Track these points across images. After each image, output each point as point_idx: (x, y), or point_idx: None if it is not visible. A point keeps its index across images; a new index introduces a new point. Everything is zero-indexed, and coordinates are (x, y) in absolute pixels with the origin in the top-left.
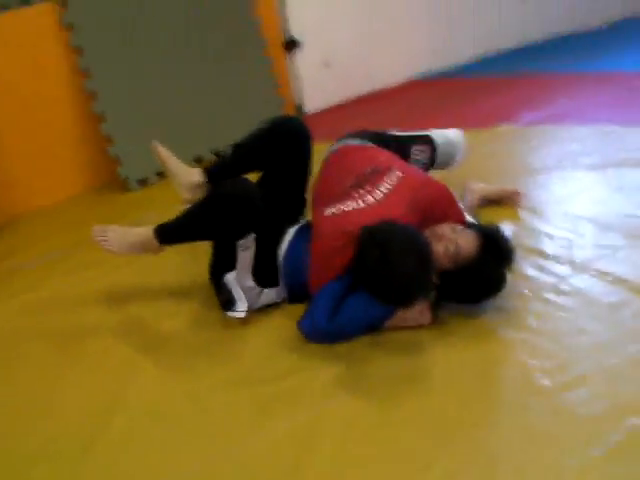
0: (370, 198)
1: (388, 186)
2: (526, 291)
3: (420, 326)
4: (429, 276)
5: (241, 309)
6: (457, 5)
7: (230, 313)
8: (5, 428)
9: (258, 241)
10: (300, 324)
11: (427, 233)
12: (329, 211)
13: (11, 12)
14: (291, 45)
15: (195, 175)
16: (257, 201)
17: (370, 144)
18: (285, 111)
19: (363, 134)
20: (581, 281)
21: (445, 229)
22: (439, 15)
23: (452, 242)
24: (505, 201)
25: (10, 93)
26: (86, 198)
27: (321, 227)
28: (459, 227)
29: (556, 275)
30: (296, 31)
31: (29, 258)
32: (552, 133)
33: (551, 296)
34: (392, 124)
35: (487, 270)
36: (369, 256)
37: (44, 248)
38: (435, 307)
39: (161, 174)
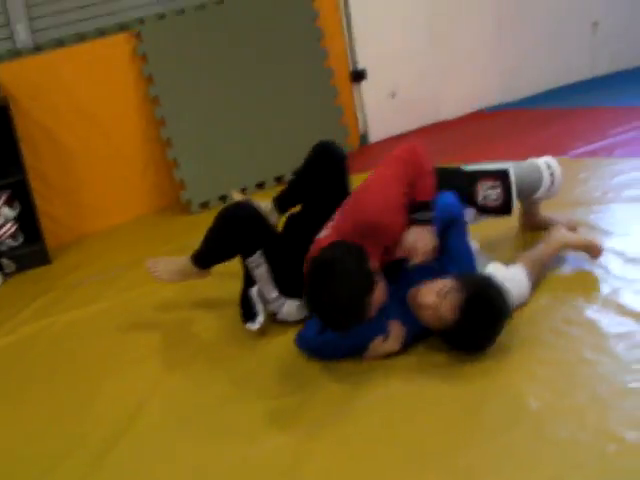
0: (330, 224)
1: (341, 211)
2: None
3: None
4: (355, 304)
5: (257, 323)
6: (526, 38)
7: (247, 325)
8: (40, 425)
9: (271, 255)
10: (296, 335)
11: (411, 299)
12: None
13: (89, 42)
14: (357, 76)
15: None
16: (246, 221)
17: None
18: (349, 140)
19: None
20: (594, 312)
21: (429, 297)
22: (508, 49)
23: (436, 309)
24: (585, 252)
25: (85, 118)
26: (150, 219)
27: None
28: (446, 290)
29: (570, 304)
30: (363, 63)
31: (91, 274)
32: (599, 165)
33: (562, 326)
34: (450, 153)
35: (473, 329)
36: (308, 281)
37: (106, 265)
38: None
39: (223, 198)
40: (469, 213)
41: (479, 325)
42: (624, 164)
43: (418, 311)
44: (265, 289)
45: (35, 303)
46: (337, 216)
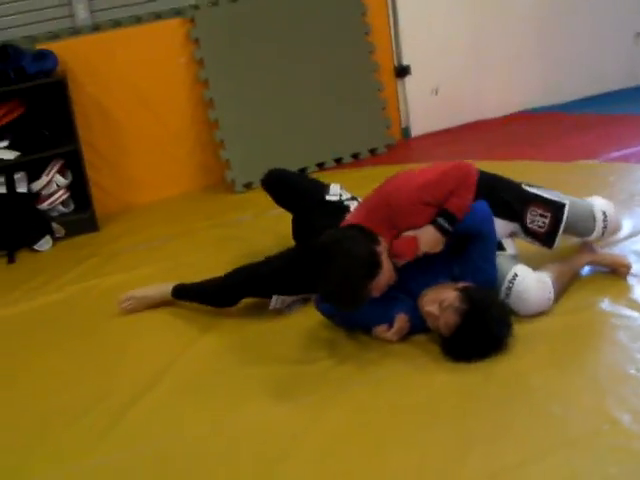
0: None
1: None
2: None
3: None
4: (353, 284)
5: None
6: (569, 44)
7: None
8: (72, 377)
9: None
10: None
11: (418, 301)
12: None
13: (144, 25)
14: (402, 71)
15: None
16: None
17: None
18: (391, 132)
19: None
20: (605, 305)
21: (431, 306)
22: (549, 53)
23: (436, 320)
24: (614, 270)
25: (137, 96)
26: (194, 195)
27: None
28: (447, 303)
29: (582, 297)
30: (407, 59)
31: (135, 243)
32: (630, 170)
33: (571, 316)
34: (488, 151)
35: (464, 345)
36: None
37: (149, 235)
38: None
39: None
40: (506, 227)
41: (471, 343)
42: None
43: (422, 314)
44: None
45: (81, 266)
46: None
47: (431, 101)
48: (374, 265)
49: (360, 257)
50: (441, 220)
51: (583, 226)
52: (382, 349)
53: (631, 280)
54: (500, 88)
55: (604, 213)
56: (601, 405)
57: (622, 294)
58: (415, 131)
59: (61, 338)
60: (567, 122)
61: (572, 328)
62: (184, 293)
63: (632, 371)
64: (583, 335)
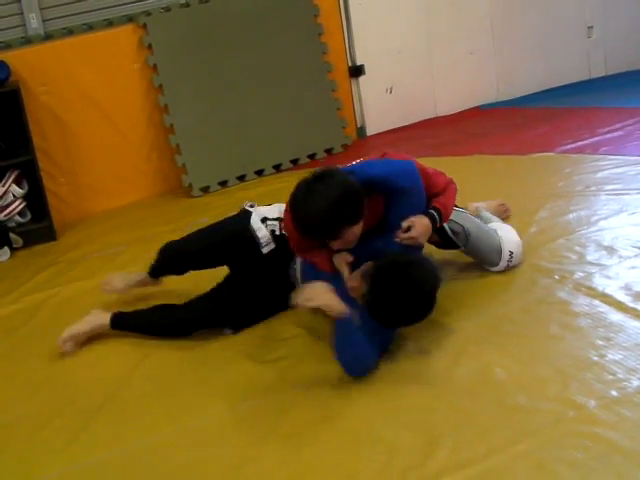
0: None
1: None
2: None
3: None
4: (333, 213)
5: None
6: (522, 39)
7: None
8: (34, 386)
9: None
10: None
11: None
12: None
13: (98, 32)
14: (356, 71)
15: None
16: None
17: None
18: (347, 132)
19: None
20: (565, 294)
21: (352, 282)
22: (503, 49)
23: (358, 291)
24: (499, 214)
25: (92, 104)
26: (152, 201)
27: None
28: (361, 271)
29: (543, 287)
30: (361, 59)
31: (93, 250)
32: (584, 161)
33: (533, 305)
34: (443, 147)
35: (391, 300)
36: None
37: (108, 242)
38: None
39: (223, 183)
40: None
41: (394, 304)
42: (608, 161)
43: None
44: None
45: (39, 276)
46: None
47: (386, 100)
48: (360, 209)
49: (355, 193)
50: (435, 215)
51: (487, 258)
52: None
53: (591, 268)
54: (454, 85)
55: (511, 253)
56: (566, 392)
57: (581, 282)
58: (370, 130)
59: (22, 348)
60: (521, 116)
61: (534, 317)
62: (124, 323)
63: (595, 358)
64: (545, 324)
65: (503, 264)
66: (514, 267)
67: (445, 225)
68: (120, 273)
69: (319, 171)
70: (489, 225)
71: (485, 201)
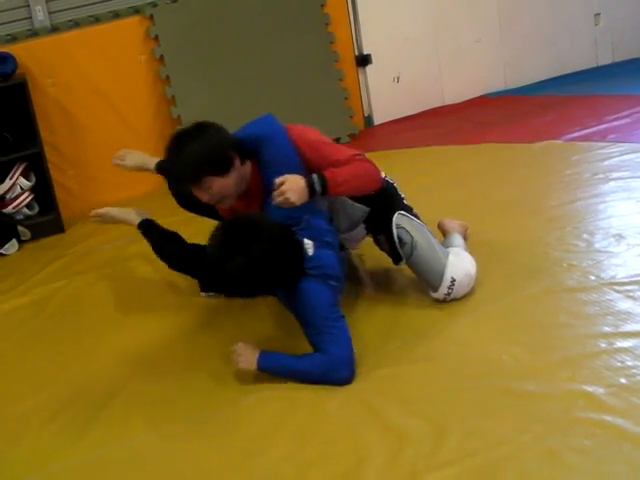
0: None
1: None
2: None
3: None
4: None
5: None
6: (529, 27)
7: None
8: (47, 375)
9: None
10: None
11: None
12: None
13: (104, 24)
14: (363, 60)
15: None
16: None
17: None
18: (354, 121)
19: None
20: (573, 282)
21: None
22: (510, 37)
23: None
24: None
25: (99, 96)
26: (159, 193)
27: None
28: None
29: (551, 275)
30: (368, 48)
31: (101, 243)
32: (592, 149)
33: (542, 294)
34: (451, 136)
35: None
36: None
37: (115, 235)
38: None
39: None
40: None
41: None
42: (615, 148)
43: None
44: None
45: (48, 268)
46: None
47: (393, 89)
48: (224, 159)
49: (221, 143)
50: (315, 178)
51: (427, 277)
52: None
53: (600, 256)
54: (461, 74)
55: (453, 280)
56: (575, 380)
57: (590, 270)
58: (378, 119)
59: (32, 340)
60: (529, 104)
61: (542, 306)
62: (148, 232)
63: (603, 345)
64: (553, 312)
65: (442, 290)
66: (454, 300)
67: (394, 231)
68: (140, 153)
69: (193, 123)
70: (448, 248)
71: (450, 219)
